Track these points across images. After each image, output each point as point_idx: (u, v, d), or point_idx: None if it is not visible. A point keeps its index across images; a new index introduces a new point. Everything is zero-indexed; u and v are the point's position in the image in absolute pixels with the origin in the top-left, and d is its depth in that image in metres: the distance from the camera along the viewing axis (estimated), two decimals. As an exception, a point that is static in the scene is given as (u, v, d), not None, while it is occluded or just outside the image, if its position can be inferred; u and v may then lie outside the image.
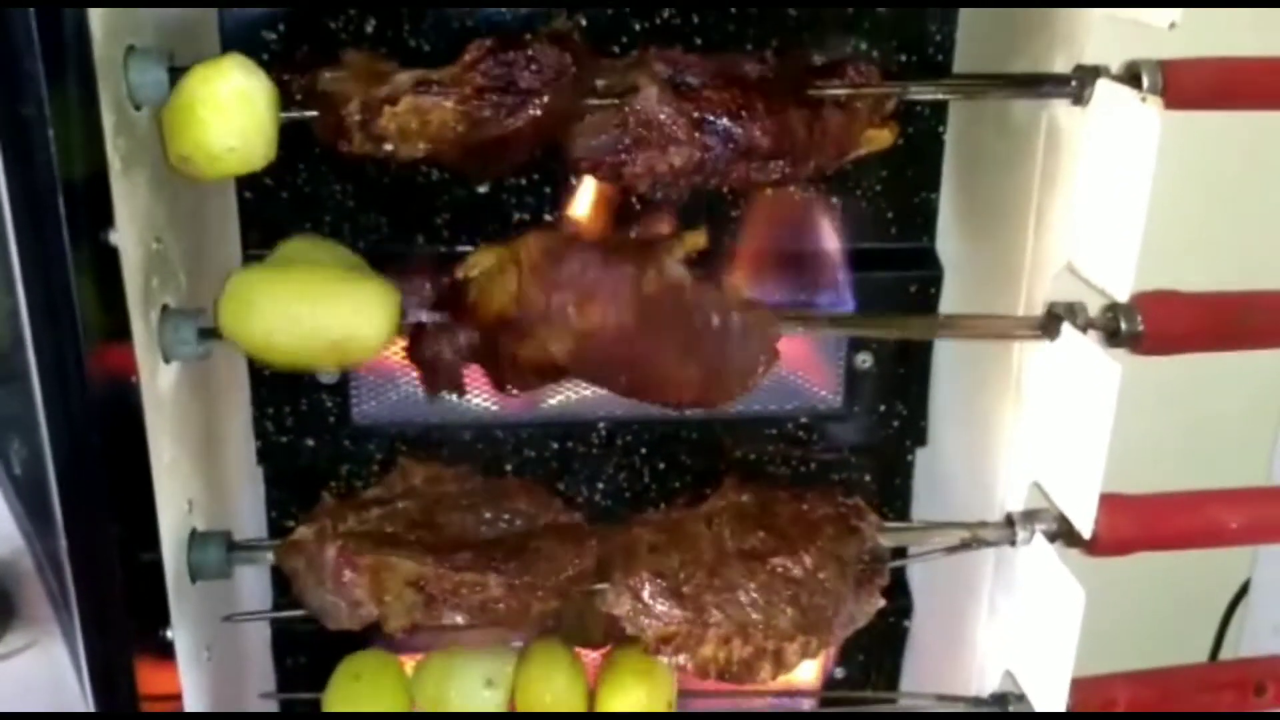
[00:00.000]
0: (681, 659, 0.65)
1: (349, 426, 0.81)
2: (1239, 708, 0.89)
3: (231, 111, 0.56)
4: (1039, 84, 0.62)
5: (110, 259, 0.52)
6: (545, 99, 0.59)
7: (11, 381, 0.49)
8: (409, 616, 0.65)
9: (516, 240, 0.64)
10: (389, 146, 0.61)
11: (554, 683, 0.72)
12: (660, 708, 0.72)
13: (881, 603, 0.68)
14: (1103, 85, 0.59)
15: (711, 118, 0.61)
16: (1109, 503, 0.66)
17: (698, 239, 0.64)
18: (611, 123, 0.62)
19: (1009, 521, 0.68)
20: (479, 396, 0.83)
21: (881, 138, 0.64)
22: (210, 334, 0.61)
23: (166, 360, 0.60)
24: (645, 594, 0.65)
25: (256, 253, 0.77)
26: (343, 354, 0.63)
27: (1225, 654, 1.06)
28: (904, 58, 0.76)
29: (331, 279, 0.64)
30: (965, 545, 0.67)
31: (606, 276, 0.63)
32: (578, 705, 0.72)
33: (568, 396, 0.84)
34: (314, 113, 0.61)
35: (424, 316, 0.65)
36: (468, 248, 0.79)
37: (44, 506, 0.52)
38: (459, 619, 0.64)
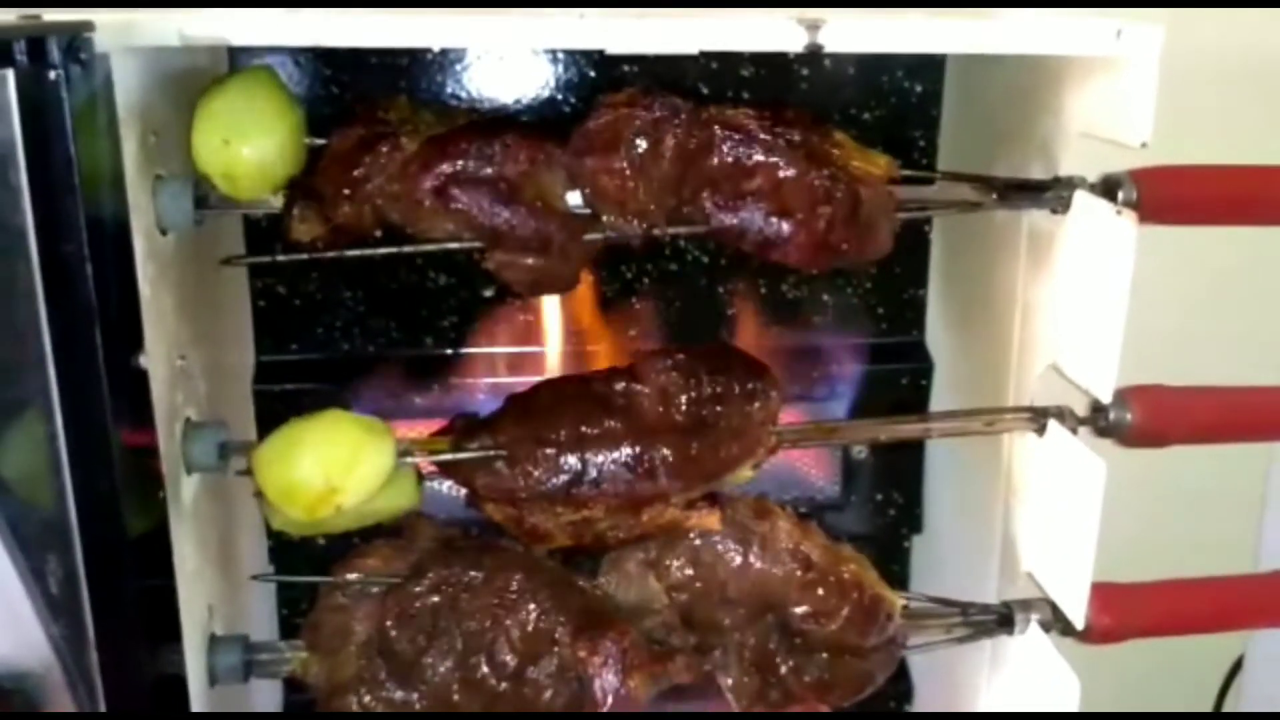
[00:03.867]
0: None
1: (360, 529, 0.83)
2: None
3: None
4: (1018, 194, 0.65)
5: (140, 381, 0.54)
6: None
7: (48, 503, 0.51)
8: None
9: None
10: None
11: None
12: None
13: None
14: (1080, 196, 0.62)
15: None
16: (1101, 592, 0.68)
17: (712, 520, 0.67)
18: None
19: (1006, 610, 0.70)
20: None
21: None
22: (231, 449, 0.63)
23: (189, 472, 0.62)
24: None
25: (270, 359, 0.81)
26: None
27: (1222, 729, 1.07)
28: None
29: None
30: (965, 636, 0.69)
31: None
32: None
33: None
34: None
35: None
36: (473, 349, 0.82)
37: (77, 623, 0.54)
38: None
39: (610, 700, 0.63)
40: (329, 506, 0.62)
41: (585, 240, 0.62)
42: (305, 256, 0.62)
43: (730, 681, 0.67)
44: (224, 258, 0.67)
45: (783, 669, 0.67)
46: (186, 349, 0.62)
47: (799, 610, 0.66)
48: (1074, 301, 0.64)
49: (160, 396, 0.57)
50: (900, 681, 0.92)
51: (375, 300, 0.80)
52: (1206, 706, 1.11)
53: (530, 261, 0.61)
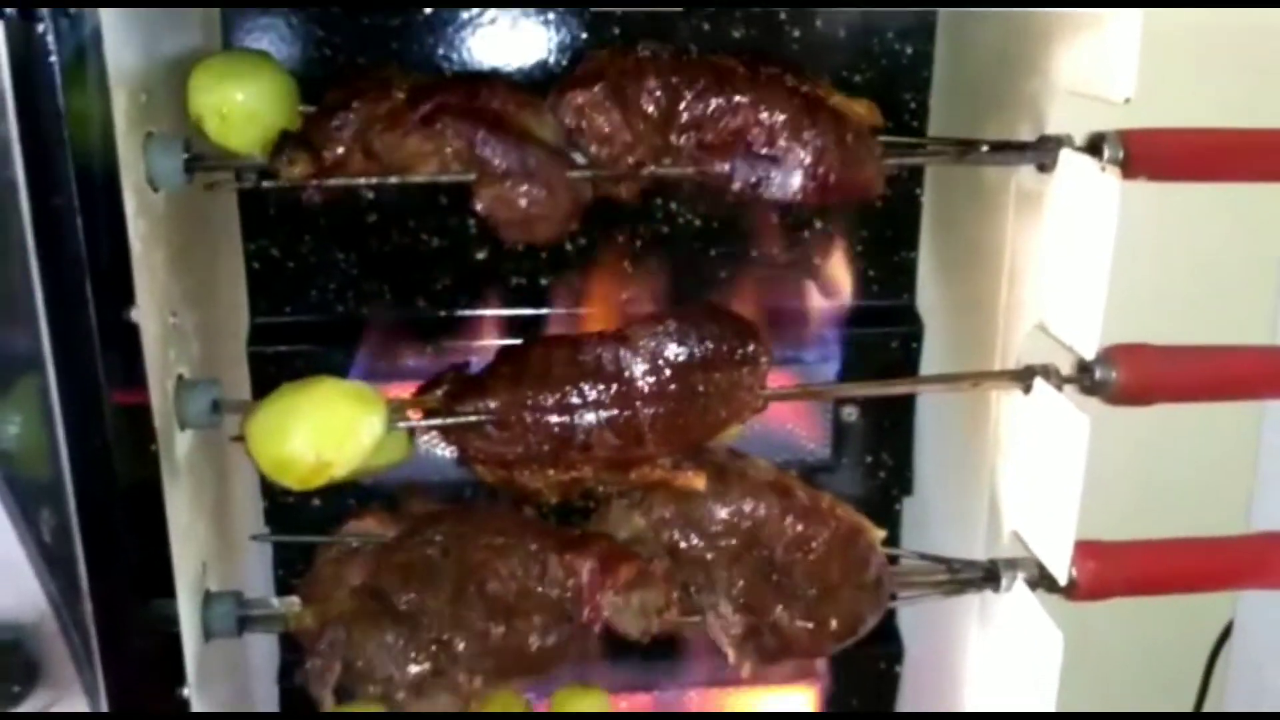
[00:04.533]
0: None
1: (354, 485, 0.84)
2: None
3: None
4: (1004, 150, 0.66)
5: (131, 335, 0.55)
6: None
7: (41, 454, 0.52)
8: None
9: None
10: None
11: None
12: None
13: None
14: (1065, 155, 0.63)
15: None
16: (1087, 549, 0.68)
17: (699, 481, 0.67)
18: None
19: (992, 566, 0.70)
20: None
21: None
22: (223, 406, 0.64)
23: (182, 428, 0.63)
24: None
25: (264, 320, 0.81)
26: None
27: (1212, 694, 1.08)
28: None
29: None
30: (951, 584, 0.70)
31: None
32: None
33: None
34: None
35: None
36: (467, 312, 0.82)
37: (71, 572, 0.54)
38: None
39: (599, 604, 0.65)
40: (321, 478, 0.63)
41: (572, 179, 0.62)
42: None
43: (721, 620, 0.67)
44: (207, 182, 0.65)
45: (774, 611, 0.68)
46: (179, 307, 0.63)
47: (781, 541, 0.67)
48: (1060, 260, 0.65)
49: (152, 352, 0.57)
50: (891, 643, 0.93)
51: (368, 263, 0.81)
52: (1196, 672, 1.12)
53: (519, 199, 0.61)
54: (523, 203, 0.62)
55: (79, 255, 0.50)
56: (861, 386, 0.69)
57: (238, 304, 0.80)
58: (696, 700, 0.92)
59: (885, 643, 0.93)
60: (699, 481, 0.66)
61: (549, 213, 0.62)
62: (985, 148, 0.66)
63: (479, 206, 0.62)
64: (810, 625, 0.68)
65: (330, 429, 0.63)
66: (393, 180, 0.62)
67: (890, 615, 0.93)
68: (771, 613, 0.68)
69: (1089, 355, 0.61)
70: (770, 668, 0.69)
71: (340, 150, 0.60)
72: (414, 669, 0.65)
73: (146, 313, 0.56)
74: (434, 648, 0.65)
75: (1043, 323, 0.66)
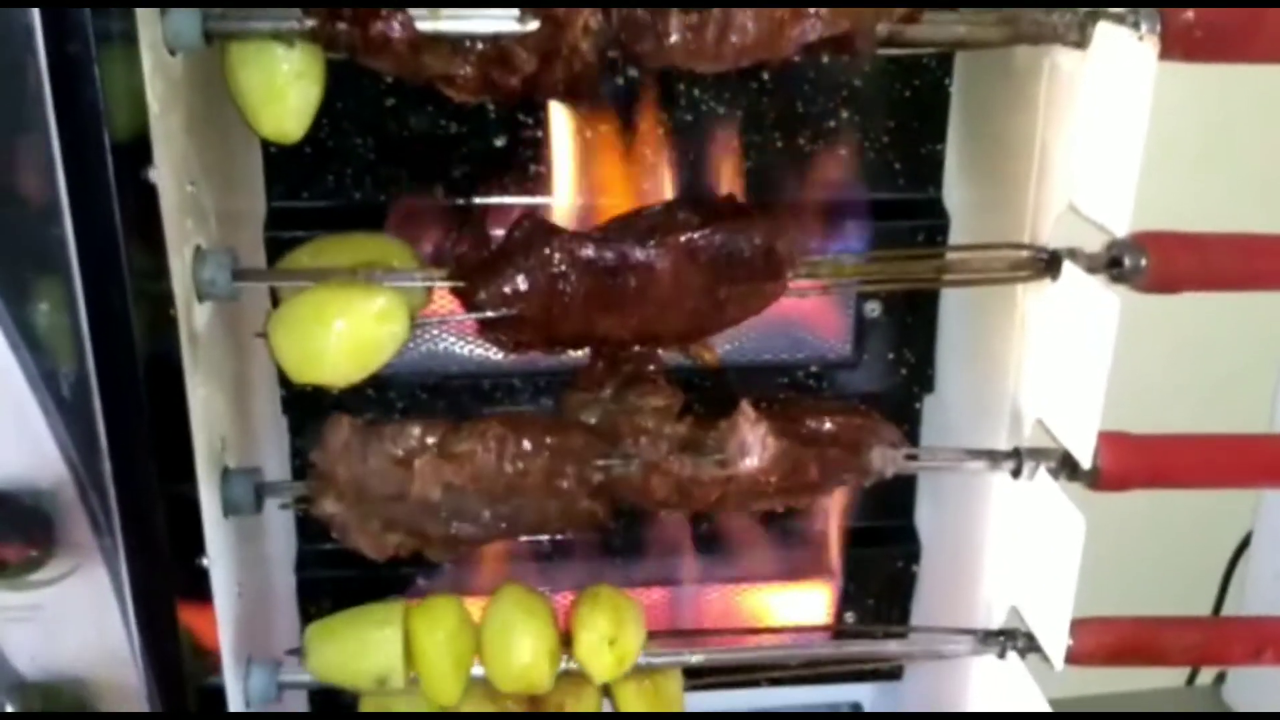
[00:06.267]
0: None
1: (372, 376, 0.83)
2: (1247, 662, 0.91)
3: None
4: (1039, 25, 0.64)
5: (149, 196, 0.54)
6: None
7: (60, 310, 0.51)
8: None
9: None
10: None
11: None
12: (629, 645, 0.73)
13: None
14: (1102, 27, 0.61)
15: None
16: (1111, 439, 0.68)
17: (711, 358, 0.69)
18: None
19: (1014, 453, 0.70)
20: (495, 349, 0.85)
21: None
22: (242, 275, 0.63)
23: (200, 300, 0.62)
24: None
25: (281, 205, 0.80)
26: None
27: (1229, 602, 1.08)
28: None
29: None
30: (974, 470, 0.69)
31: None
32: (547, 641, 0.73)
33: (584, 350, 0.86)
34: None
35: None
36: (486, 199, 0.81)
37: (90, 433, 0.54)
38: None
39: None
40: (346, 383, 0.67)
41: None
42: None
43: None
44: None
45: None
46: (196, 177, 0.62)
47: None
48: (1092, 144, 0.63)
49: (170, 218, 0.57)
50: (908, 542, 0.93)
51: (387, 148, 0.80)
52: (1214, 583, 1.12)
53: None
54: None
55: (96, 105, 0.49)
56: (888, 267, 0.68)
57: (254, 188, 0.79)
58: (713, 597, 0.93)
59: (902, 542, 0.93)
60: (712, 358, 0.66)
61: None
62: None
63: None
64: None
65: (357, 340, 0.65)
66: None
67: (908, 514, 0.93)
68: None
69: (1121, 232, 0.60)
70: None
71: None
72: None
73: (164, 175, 0.55)
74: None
75: (1073, 203, 0.65)
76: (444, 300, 0.78)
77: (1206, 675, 1.15)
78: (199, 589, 0.62)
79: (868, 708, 1.03)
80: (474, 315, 0.67)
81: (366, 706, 0.75)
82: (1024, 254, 0.66)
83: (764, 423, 0.67)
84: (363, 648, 0.71)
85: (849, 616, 0.94)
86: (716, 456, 0.67)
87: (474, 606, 0.89)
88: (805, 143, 0.82)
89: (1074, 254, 0.65)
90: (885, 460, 0.68)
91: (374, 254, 0.68)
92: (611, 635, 0.72)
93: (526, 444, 0.66)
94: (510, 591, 0.74)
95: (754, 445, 0.66)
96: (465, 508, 0.67)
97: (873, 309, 0.85)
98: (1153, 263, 0.64)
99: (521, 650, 0.71)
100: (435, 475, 0.66)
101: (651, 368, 0.72)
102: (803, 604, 0.94)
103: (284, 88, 0.62)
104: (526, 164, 0.81)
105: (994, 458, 0.70)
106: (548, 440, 0.67)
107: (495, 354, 0.85)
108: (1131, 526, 0.89)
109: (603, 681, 0.74)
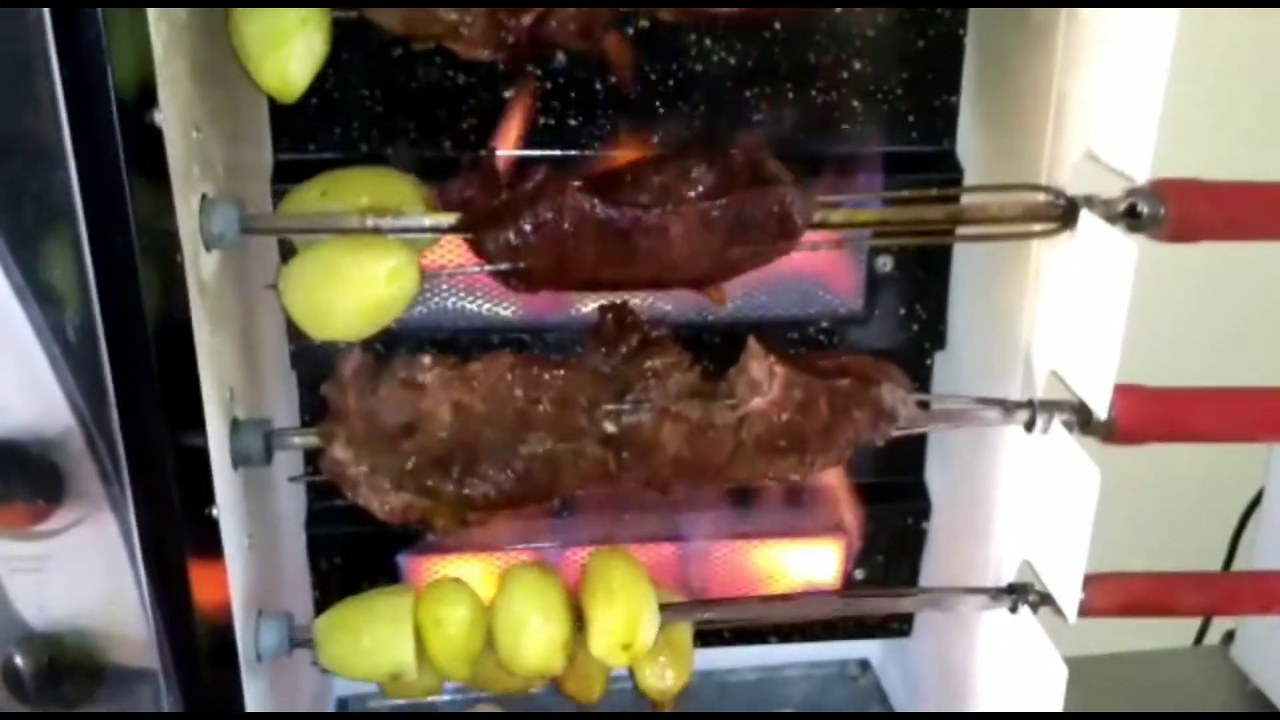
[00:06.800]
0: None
1: (382, 330, 0.83)
2: (1259, 613, 0.91)
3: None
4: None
5: (154, 140, 0.53)
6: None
7: (64, 254, 0.50)
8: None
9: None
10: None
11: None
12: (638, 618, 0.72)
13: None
14: (1122, -32, 0.60)
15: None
16: (1127, 391, 0.67)
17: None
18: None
19: (1029, 404, 0.69)
20: (506, 303, 0.84)
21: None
22: (250, 224, 0.62)
23: (208, 249, 0.61)
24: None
25: (288, 158, 0.79)
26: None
27: (1239, 559, 1.08)
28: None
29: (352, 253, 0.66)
30: (984, 404, 0.69)
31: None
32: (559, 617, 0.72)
33: (594, 305, 0.85)
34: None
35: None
36: (496, 152, 0.80)
37: (97, 382, 0.54)
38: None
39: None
40: (357, 338, 0.67)
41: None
42: None
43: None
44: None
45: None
46: (202, 124, 0.61)
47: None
48: (1112, 83, 0.62)
49: (176, 164, 0.56)
50: (918, 499, 0.92)
51: (393, 100, 0.79)
52: (1224, 540, 1.12)
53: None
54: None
55: (99, 42, 0.48)
56: (902, 213, 0.67)
57: (261, 140, 0.78)
58: (722, 553, 0.92)
59: (912, 499, 0.92)
60: (720, 297, 0.66)
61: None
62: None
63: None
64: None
65: (368, 299, 0.65)
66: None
67: (918, 471, 0.93)
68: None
69: (1141, 178, 0.59)
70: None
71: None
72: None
73: (169, 120, 0.54)
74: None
75: (1090, 150, 0.64)
76: (453, 250, 0.78)
77: (1214, 635, 1.15)
78: (209, 540, 0.62)
79: (876, 665, 1.03)
80: (484, 269, 0.66)
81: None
82: (1041, 199, 0.65)
83: (772, 355, 0.66)
84: (375, 645, 0.71)
85: (858, 574, 0.94)
86: (728, 401, 0.66)
87: (485, 563, 0.90)
88: (818, 94, 0.81)
89: (1091, 201, 0.64)
90: (895, 398, 0.67)
91: (381, 189, 0.67)
92: (626, 640, 0.71)
93: (536, 369, 0.66)
94: (520, 581, 0.72)
95: (763, 379, 0.66)
96: (476, 454, 0.66)
97: (884, 263, 0.84)
98: (1172, 211, 0.64)
99: (534, 649, 0.71)
100: (445, 391, 0.65)
101: (660, 331, 0.71)
102: (812, 561, 0.93)
103: (287, 35, 0.61)
104: (536, 116, 0.80)
105: (1007, 408, 0.69)
106: (560, 372, 0.67)
107: (504, 310, 0.85)
108: (1141, 484, 0.88)
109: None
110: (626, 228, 0.64)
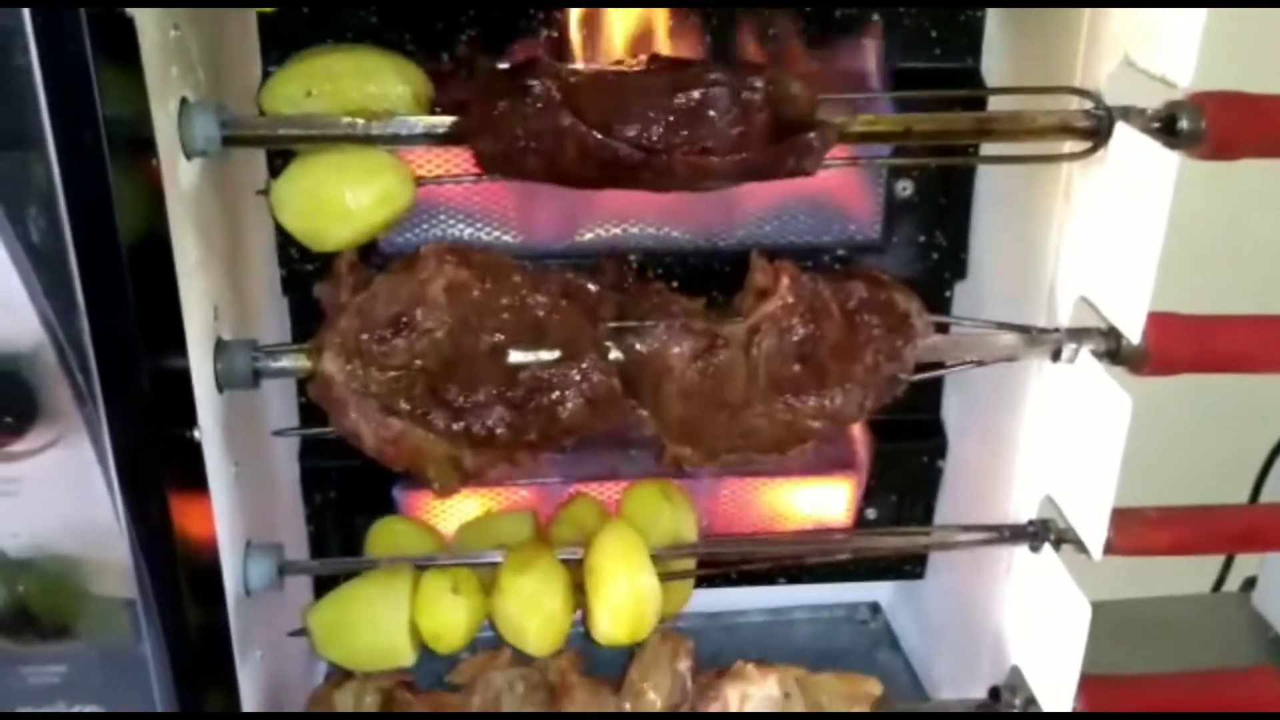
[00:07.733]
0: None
1: (376, 254, 0.79)
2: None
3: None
4: None
5: (126, 31, 0.50)
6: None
7: (28, 147, 0.47)
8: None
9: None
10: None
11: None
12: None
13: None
14: None
15: None
16: (1160, 320, 0.64)
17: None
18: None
19: (1055, 331, 0.66)
20: (509, 230, 0.81)
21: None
22: (232, 132, 0.59)
23: (188, 156, 0.58)
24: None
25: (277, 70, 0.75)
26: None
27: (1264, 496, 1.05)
28: None
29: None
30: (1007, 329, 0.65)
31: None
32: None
33: (598, 232, 0.82)
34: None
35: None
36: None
37: (67, 293, 0.50)
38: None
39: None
40: (351, 246, 0.66)
41: None
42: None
43: None
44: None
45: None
46: (181, 21, 0.57)
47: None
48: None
49: (152, 62, 0.52)
50: (934, 437, 0.89)
51: (388, 10, 0.75)
52: (1248, 483, 1.08)
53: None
54: None
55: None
56: (929, 115, 0.63)
57: (248, 49, 0.74)
58: (730, 490, 0.89)
59: (928, 437, 0.89)
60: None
61: None
62: None
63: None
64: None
65: (364, 204, 0.63)
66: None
67: (935, 408, 0.90)
68: None
69: (1184, 82, 0.55)
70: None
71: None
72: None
73: (143, 14, 0.51)
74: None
75: (1129, 55, 0.60)
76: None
77: (1234, 582, 1.12)
78: (190, 465, 0.59)
79: (886, 608, 1.01)
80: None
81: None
82: (1074, 106, 0.61)
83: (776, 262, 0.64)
84: (374, 633, 0.70)
85: (870, 513, 0.91)
86: (737, 319, 0.63)
87: (483, 498, 0.87)
88: (838, 7, 0.77)
89: (1128, 113, 0.60)
90: (911, 306, 0.64)
91: (373, 77, 0.64)
92: (632, 634, 0.71)
93: (533, 267, 0.65)
94: (524, 573, 0.71)
95: (769, 282, 0.63)
96: (474, 372, 0.63)
97: (904, 187, 0.80)
98: (1212, 125, 0.60)
99: (538, 648, 0.71)
100: (439, 265, 0.63)
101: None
102: (823, 499, 0.90)
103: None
104: (538, 29, 0.76)
105: (1033, 335, 0.66)
106: (564, 276, 0.65)
107: (506, 238, 0.81)
108: (1166, 419, 0.84)
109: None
110: (633, 166, 0.60)
